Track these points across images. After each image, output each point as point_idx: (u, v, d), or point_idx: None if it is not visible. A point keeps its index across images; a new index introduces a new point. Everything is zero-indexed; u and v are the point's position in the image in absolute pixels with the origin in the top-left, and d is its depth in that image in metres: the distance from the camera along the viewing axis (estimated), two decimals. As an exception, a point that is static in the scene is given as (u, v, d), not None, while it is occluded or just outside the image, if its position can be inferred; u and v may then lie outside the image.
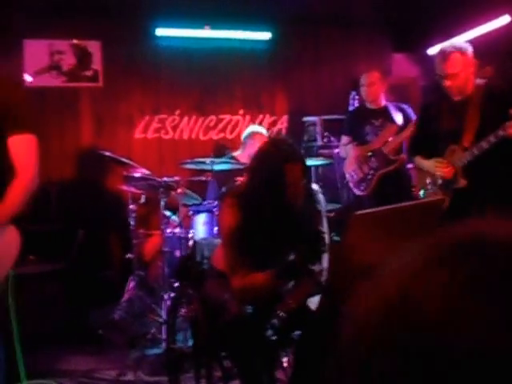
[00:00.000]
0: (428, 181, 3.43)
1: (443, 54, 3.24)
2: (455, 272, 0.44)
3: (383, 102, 4.56)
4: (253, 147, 4.64)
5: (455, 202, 3.24)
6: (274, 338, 2.43)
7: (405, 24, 5.37)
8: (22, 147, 2.41)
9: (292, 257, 2.41)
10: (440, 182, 3.35)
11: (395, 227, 1.98)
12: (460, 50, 3.23)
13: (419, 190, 3.50)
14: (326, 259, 2.51)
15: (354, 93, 5.13)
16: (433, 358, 0.42)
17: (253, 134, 4.69)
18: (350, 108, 5.05)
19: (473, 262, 0.45)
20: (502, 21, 4.46)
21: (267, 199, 2.33)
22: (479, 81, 3.32)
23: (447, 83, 3.24)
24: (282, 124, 5.72)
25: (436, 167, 3.32)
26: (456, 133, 3.28)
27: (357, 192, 4.51)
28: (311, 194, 2.51)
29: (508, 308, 0.42)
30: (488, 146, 3.08)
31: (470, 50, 3.24)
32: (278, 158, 2.32)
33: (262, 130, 4.84)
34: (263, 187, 2.32)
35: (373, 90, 4.50)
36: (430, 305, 0.43)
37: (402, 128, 4.35)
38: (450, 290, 0.43)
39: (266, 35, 5.55)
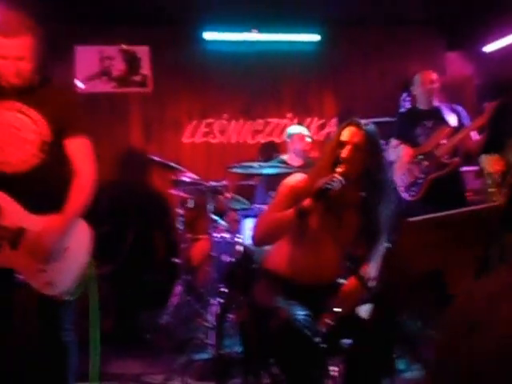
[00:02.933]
0: (488, 178, 3.27)
1: None
2: None
3: (436, 103, 4.41)
4: (295, 146, 4.64)
5: None
6: (323, 345, 2.36)
7: (458, 21, 5.19)
8: (81, 150, 2.52)
9: None
10: (497, 177, 3.18)
11: (449, 234, 1.92)
12: None
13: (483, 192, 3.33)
14: (374, 267, 2.46)
15: (405, 94, 4.99)
16: None
17: (291, 135, 4.70)
18: (401, 110, 4.91)
19: None
20: None
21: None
22: None
23: None
24: (331, 127, 5.61)
25: (487, 163, 3.14)
26: None
27: (407, 197, 4.34)
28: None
29: None
30: None
31: None
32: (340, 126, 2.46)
33: (300, 129, 4.81)
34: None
35: (433, 89, 4.35)
36: None
37: (456, 130, 4.18)
38: None
39: (314, 37, 5.46)
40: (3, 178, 2.42)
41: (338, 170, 2.31)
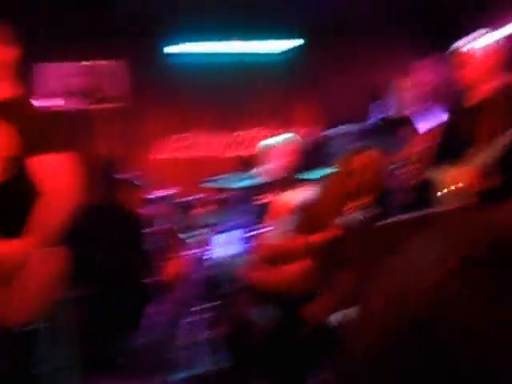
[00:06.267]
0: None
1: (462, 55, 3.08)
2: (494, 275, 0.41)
3: (407, 111, 4.42)
4: (270, 160, 4.56)
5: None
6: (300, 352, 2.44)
7: (430, 33, 5.24)
8: (49, 167, 2.25)
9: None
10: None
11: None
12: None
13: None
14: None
15: (374, 103, 4.99)
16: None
17: (268, 148, 4.61)
18: (373, 119, 4.91)
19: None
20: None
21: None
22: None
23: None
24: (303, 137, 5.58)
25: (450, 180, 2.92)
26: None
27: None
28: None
29: None
30: None
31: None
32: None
33: (277, 142, 4.74)
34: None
35: (407, 97, 4.38)
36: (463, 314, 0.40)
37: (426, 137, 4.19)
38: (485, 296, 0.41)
39: (283, 46, 5.45)
40: None
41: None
